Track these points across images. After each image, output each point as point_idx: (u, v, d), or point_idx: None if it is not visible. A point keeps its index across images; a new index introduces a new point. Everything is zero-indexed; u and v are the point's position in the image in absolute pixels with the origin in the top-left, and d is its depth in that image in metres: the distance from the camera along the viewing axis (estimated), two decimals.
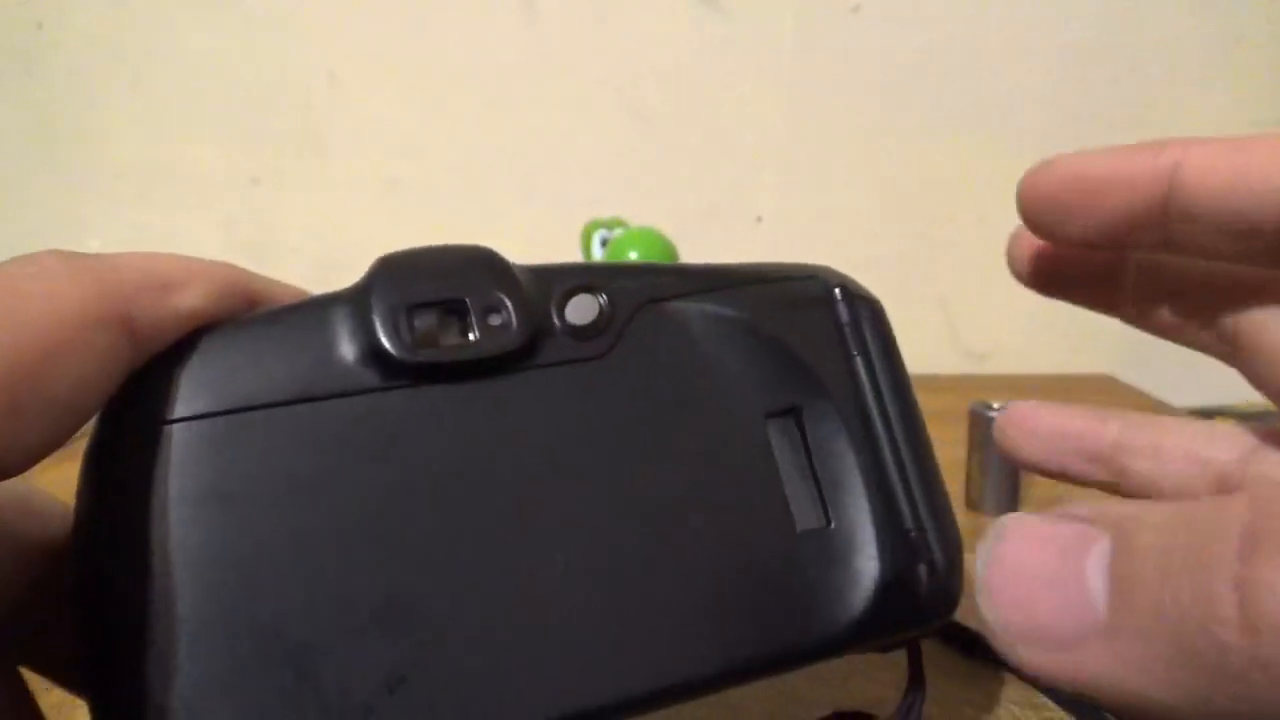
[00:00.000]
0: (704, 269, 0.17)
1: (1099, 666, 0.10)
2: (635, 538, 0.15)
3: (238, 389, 0.14)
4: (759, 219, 0.66)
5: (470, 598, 0.14)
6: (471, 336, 0.15)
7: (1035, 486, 0.39)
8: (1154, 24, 0.62)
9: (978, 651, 0.26)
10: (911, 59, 0.63)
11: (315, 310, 0.15)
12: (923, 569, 0.16)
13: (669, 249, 0.41)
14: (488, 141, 0.64)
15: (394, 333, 0.14)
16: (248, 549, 0.13)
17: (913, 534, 0.16)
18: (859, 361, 0.17)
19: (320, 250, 0.65)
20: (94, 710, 0.13)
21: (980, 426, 0.36)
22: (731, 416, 0.16)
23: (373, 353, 0.14)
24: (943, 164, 0.65)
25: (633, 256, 0.40)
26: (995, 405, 0.35)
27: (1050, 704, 0.24)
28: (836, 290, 0.18)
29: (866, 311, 0.18)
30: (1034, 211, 0.18)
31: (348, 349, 0.15)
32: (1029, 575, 0.11)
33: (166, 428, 0.14)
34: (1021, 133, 0.64)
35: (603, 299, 0.16)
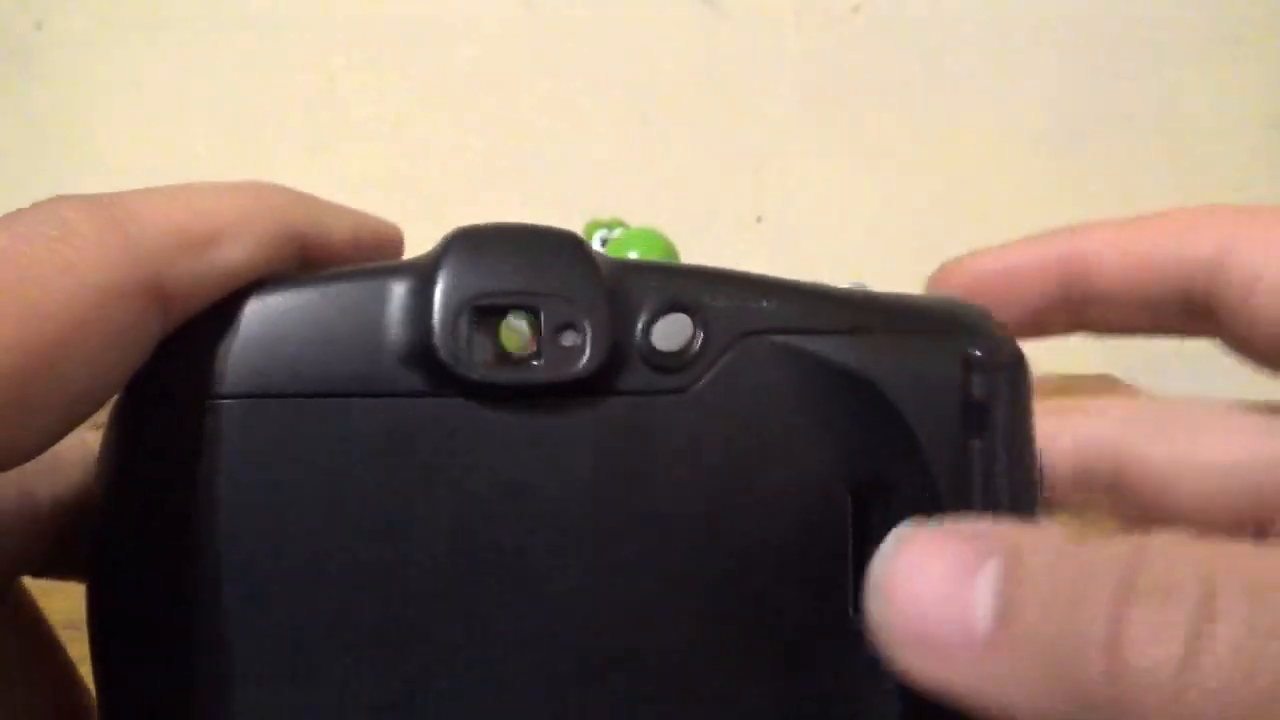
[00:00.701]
0: (823, 297, 0.15)
1: (975, 680, 0.11)
2: (670, 606, 0.14)
3: (274, 372, 0.13)
4: (759, 219, 0.66)
5: (478, 644, 0.13)
6: (537, 360, 0.13)
7: None
8: (1154, 23, 0.62)
9: None
10: (912, 59, 0.63)
11: (371, 288, 0.13)
12: None
13: (669, 249, 0.41)
14: (488, 141, 0.64)
15: (451, 337, 0.13)
16: (255, 551, 0.13)
17: None
18: (977, 444, 0.15)
19: None
20: (96, 687, 0.13)
21: None
22: (813, 480, 0.14)
23: (424, 354, 0.13)
24: (943, 164, 0.65)
25: (633, 257, 0.40)
26: None
27: None
28: (975, 352, 0.15)
29: (1005, 382, 0.15)
30: None
31: (398, 341, 0.13)
32: (920, 586, 0.11)
33: (195, 408, 0.13)
34: (1022, 133, 0.64)
35: (699, 323, 0.14)
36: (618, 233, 0.43)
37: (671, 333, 0.14)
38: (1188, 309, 0.16)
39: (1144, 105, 0.64)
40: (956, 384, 0.15)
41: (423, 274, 0.13)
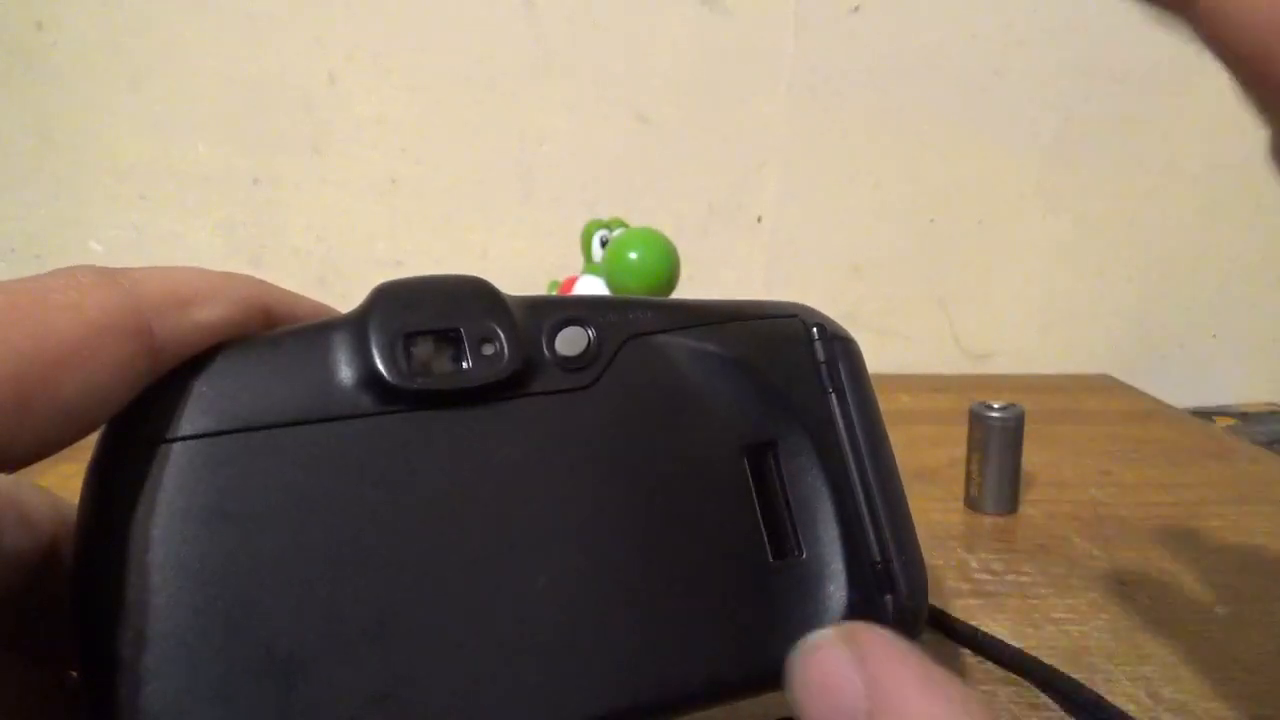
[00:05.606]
0: (688, 305, 0.18)
1: None
2: (615, 564, 0.16)
3: (239, 410, 0.14)
4: (759, 219, 0.66)
5: (454, 618, 0.15)
6: (465, 365, 0.16)
7: (1034, 488, 0.39)
8: (1153, 24, 0.62)
9: (976, 646, 0.26)
10: (911, 59, 0.63)
11: (316, 335, 0.15)
12: (889, 600, 0.17)
13: (669, 249, 0.41)
14: (488, 141, 0.64)
15: (390, 360, 0.15)
16: (243, 565, 0.14)
17: (879, 566, 0.17)
18: (833, 398, 0.18)
19: (320, 250, 0.65)
20: (90, 715, 0.13)
21: (980, 426, 0.36)
22: (710, 448, 0.17)
23: (370, 378, 0.15)
24: (943, 164, 0.65)
25: (633, 257, 0.40)
26: (995, 405, 0.35)
27: (1051, 704, 0.24)
28: (814, 329, 0.19)
29: (843, 350, 0.19)
30: None
31: (346, 374, 0.15)
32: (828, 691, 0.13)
33: (167, 446, 0.14)
34: (1021, 132, 0.64)
35: (591, 332, 0.17)
36: (618, 233, 0.43)
37: (571, 341, 0.17)
38: None
39: (1144, 105, 0.64)
40: (809, 350, 0.18)
41: (358, 319, 0.15)
